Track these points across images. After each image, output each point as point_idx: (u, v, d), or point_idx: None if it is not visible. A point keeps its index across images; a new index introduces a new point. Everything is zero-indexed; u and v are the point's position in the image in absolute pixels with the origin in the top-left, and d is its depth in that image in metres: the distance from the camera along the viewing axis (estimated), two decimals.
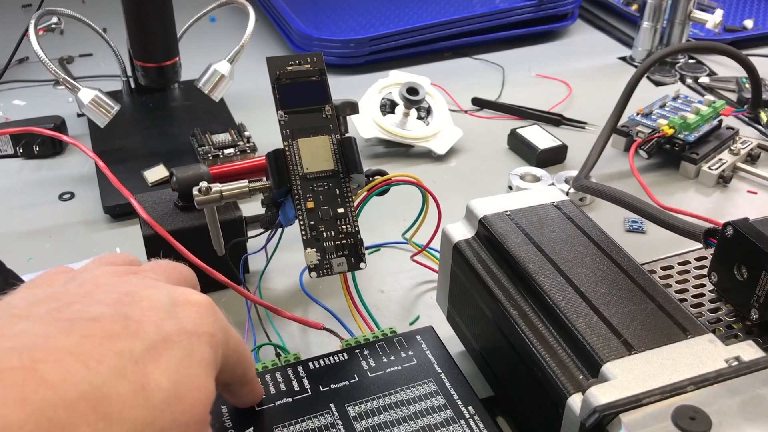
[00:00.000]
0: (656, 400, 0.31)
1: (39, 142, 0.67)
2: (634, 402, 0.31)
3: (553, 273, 0.38)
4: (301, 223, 0.39)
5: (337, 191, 0.40)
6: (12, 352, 0.22)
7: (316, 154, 0.39)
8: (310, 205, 0.39)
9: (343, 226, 0.40)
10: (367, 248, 0.57)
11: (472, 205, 0.44)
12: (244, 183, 0.41)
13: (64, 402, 0.22)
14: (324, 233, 0.40)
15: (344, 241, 0.40)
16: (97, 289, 0.27)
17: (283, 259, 0.55)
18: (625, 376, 0.32)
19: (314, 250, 0.39)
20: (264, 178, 0.42)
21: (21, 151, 0.66)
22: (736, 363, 0.33)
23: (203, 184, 0.41)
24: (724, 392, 0.31)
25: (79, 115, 0.76)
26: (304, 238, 0.39)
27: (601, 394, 0.31)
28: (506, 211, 0.43)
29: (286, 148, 0.40)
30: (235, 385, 0.34)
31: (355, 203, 0.43)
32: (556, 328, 0.36)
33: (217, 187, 0.41)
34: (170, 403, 0.25)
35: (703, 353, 0.33)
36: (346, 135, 0.40)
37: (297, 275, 0.53)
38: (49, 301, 0.26)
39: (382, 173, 0.45)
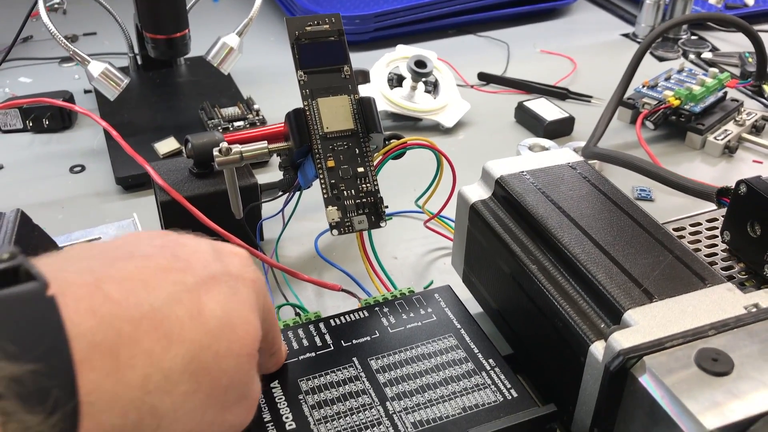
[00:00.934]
0: (679, 344, 0.31)
1: (48, 116, 0.67)
2: (658, 345, 0.31)
3: (571, 228, 0.39)
4: (322, 182, 0.40)
5: (357, 151, 0.41)
6: (78, 273, 0.23)
7: (335, 113, 0.40)
8: (331, 164, 0.40)
9: (363, 185, 0.40)
10: None
11: (489, 167, 0.44)
12: (263, 144, 0.42)
13: (128, 318, 0.23)
14: (344, 192, 0.40)
15: (364, 200, 0.40)
16: (139, 240, 0.28)
17: (297, 227, 0.55)
18: (647, 323, 0.33)
19: (335, 208, 0.40)
20: (284, 140, 0.42)
21: (30, 125, 0.67)
22: (755, 310, 0.33)
23: (224, 144, 0.41)
24: (745, 336, 0.32)
25: (86, 92, 0.76)
26: (325, 196, 0.40)
27: (624, 339, 0.32)
28: (522, 172, 0.44)
29: (306, 108, 0.40)
30: (263, 352, 0.35)
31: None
32: (576, 280, 0.37)
33: (237, 147, 0.41)
34: (224, 330, 0.26)
35: (722, 300, 0.34)
36: (365, 95, 0.41)
37: (312, 243, 0.54)
38: (100, 249, 0.27)
39: (397, 137, 0.45)
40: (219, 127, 0.65)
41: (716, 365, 0.30)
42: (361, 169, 0.40)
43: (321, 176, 0.40)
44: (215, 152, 0.41)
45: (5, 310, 0.20)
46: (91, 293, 0.22)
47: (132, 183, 0.60)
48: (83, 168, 0.64)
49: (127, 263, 0.25)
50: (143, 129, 0.67)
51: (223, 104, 0.68)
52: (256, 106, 0.67)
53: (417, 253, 0.55)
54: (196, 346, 0.25)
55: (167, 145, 0.63)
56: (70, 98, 0.70)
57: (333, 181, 0.40)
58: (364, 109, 0.41)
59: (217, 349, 0.25)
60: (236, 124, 0.65)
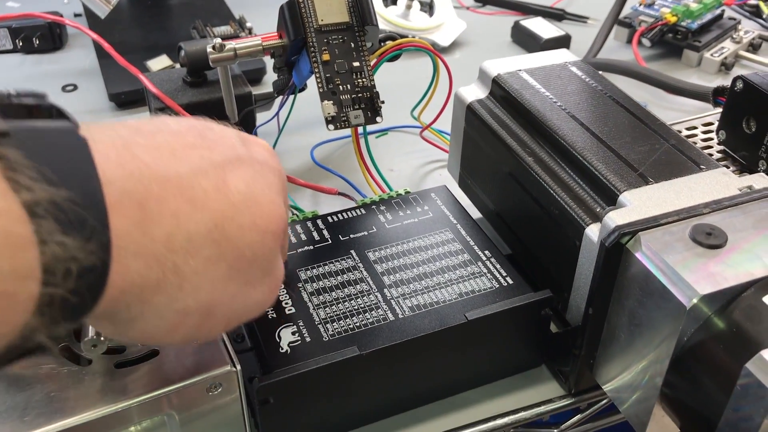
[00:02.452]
0: (673, 221, 0.32)
1: (39, 35, 0.66)
2: (653, 222, 0.32)
3: (568, 120, 0.39)
4: (317, 76, 0.40)
5: (352, 45, 0.40)
6: (106, 136, 0.23)
7: (330, 5, 0.39)
8: (326, 57, 0.39)
9: (359, 80, 0.40)
10: (372, 132, 0.57)
11: (486, 66, 0.44)
12: (257, 40, 0.41)
13: (156, 177, 0.23)
14: (340, 86, 0.40)
15: (360, 95, 0.40)
16: (167, 121, 0.28)
17: (293, 141, 0.55)
18: (642, 203, 0.33)
19: (331, 102, 0.39)
20: (277, 38, 0.42)
21: (20, 44, 0.65)
22: (749, 191, 0.34)
23: (217, 41, 0.41)
24: (738, 213, 0.32)
25: (76, 15, 0.75)
26: (321, 91, 0.40)
27: (620, 217, 0.32)
28: (519, 70, 0.43)
29: (300, 0, 0.40)
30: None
31: None
32: (572, 168, 0.37)
33: (231, 44, 0.41)
34: (248, 204, 0.26)
35: (717, 183, 0.34)
36: None
37: (308, 155, 0.54)
38: (128, 124, 0.26)
39: (393, 38, 0.45)
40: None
41: (710, 238, 0.31)
42: (356, 64, 0.40)
43: (316, 71, 0.39)
44: (209, 49, 0.41)
45: (42, 139, 0.20)
46: (120, 152, 0.23)
47: (125, 99, 0.60)
48: (75, 87, 0.63)
49: (155, 136, 0.25)
50: (135, 48, 0.66)
51: (215, 24, 0.67)
52: (248, 24, 0.66)
53: (413, 165, 0.55)
54: (219, 215, 0.25)
55: (160, 62, 0.62)
56: (60, 17, 0.68)
57: (328, 75, 0.40)
58: (360, 1, 0.40)
59: (241, 222, 0.25)
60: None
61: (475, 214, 0.46)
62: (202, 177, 0.25)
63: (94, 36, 0.54)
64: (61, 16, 0.69)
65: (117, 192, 0.22)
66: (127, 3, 0.74)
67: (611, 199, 0.34)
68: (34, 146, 0.20)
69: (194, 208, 0.24)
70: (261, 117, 0.53)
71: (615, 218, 0.32)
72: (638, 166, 0.35)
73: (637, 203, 0.33)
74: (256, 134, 0.51)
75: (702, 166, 0.35)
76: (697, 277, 0.29)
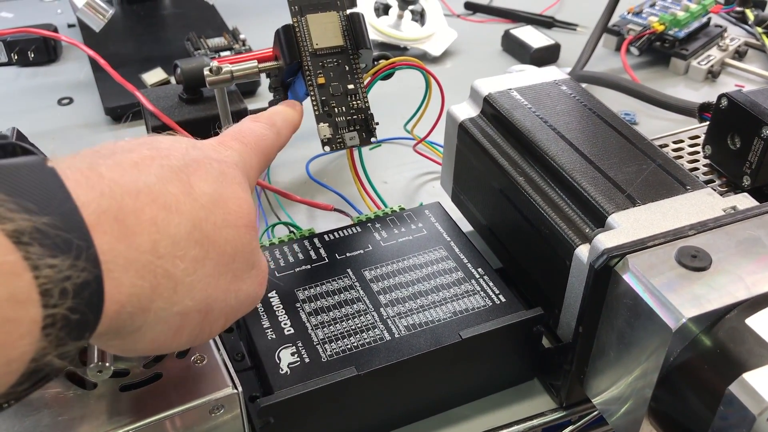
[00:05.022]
0: (660, 243, 0.33)
1: (33, 48, 0.66)
2: (640, 245, 0.33)
3: (558, 141, 0.40)
4: (313, 99, 0.40)
5: (347, 68, 0.41)
6: (69, 162, 0.24)
7: (324, 29, 0.40)
8: (321, 80, 0.40)
9: (354, 102, 0.41)
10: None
11: (477, 85, 0.45)
12: (253, 63, 0.42)
13: (127, 191, 0.24)
14: (335, 109, 0.41)
15: (355, 117, 0.41)
16: (116, 143, 0.28)
17: (288, 154, 0.56)
18: (630, 225, 0.34)
19: (327, 124, 0.40)
20: (273, 60, 0.42)
21: (16, 58, 0.66)
22: (732, 212, 0.35)
23: (214, 63, 0.42)
24: (723, 235, 0.33)
25: (70, 26, 0.75)
26: (317, 113, 0.40)
27: (608, 240, 0.33)
28: (510, 89, 0.44)
29: (296, 24, 0.40)
30: None
31: None
32: (562, 189, 0.38)
33: (227, 67, 0.42)
34: (217, 204, 0.27)
35: (702, 204, 0.35)
36: (353, 10, 0.41)
37: (302, 168, 0.55)
38: (82, 151, 0.27)
39: (386, 57, 0.46)
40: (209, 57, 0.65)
41: (695, 261, 0.32)
42: (351, 86, 0.41)
43: (312, 93, 0.40)
44: (206, 71, 0.42)
45: (13, 174, 0.21)
46: (87, 175, 0.23)
47: (121, 113, 0.60)
48: (71, 100, 0.64)
49: (114, 155, 0.26)
50: (130, 61, 0.66)
51: (209, 35, 0.67)
52: (242, 36, 0.67)
53: (406, 177, 0.56)
54: (193, 217, 0.26)
55: (155, 75, 0.63)
56: (54, 30, 0.69)
57: (324, 98, 0.40)
58: (354, 25, 0.41)
59: (214, 221, 0.27)
60: (223, 54, 0.65)
61: (467, 227, 0.47)
62: (169, 183, 0.26)
63: (90, 52, 0.55)
64: (56, 27, 0.70)
65: (94, 212, 0.22)
66: (120, 14, 0.74)
67: (600, 221, 0.35)
68: (8, 182, 0.21)
69: (170, 213, 0.25)
70: None
71: (604, 241, 0.33)
72: (626, 187, 0.36)
73: (625, 225, 0.34)
74: None
75: (688, 187, 0.36)
76: (682, 299, 0.30)
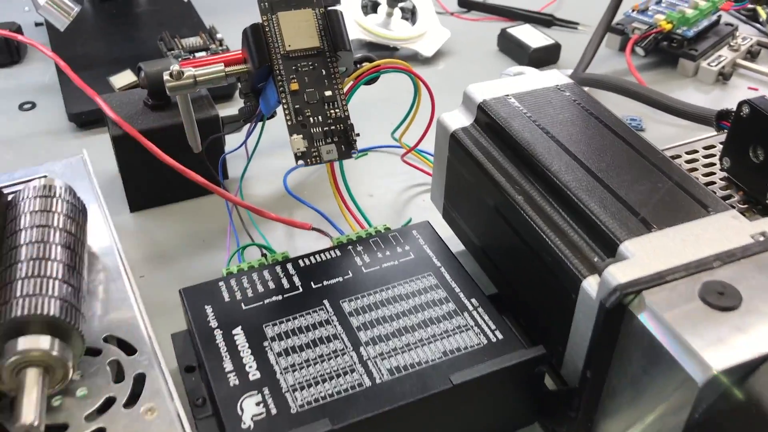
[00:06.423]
0: (681, 277, 0.28)
1: None
2: (658, 279, 0.28)
3: (560, 154, 0.35)
4: (285, 107, 0.36)
5: (324, 72, 0.37)
6: None
7: (298, 29, 0.35)
8: (295, 86, 0.36)
9: (332, 111, 0.36)
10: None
11: (470, 91, 0.41)
12: (219, 66, 0.37)
13: None
14: (311, 118, 0.36)
15: (333, 127, 0.36)
16: None
17: (265, 164, 0.51)
18: (645, 254, 0.29)
19: (300, 136, 0.36)
20: (242, 63, 0.38)
21: None
22: (762, 239, 0.30)
23: (174, 67, 0.37)
24: (753, 267, 0.29)
25: (37, 24, 0.70)
26: (289, 123, 0.36)
27: (621, 273, 0.29)
28: (507, 95, 0.40)
29: (265, 23, 0.36)
30: None
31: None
32: (566, 211, 0.33)
33: (190, 71, 0.37)
34: None
35: (727, 229, 0.31)
36: (332, 7, 0.36)
37: (280, 180, 0.50)
38: None
39: (370, 59, 0.41)
40: (179, 59, 0.60)
41: (722, 299, 0.27)
42: (328, 93, 0.36)
43: (284, 101, 0.36)
44: (165, 76, 0.37)
45: None
46: None
47: (86, 119, 0.56)
48: (34, 105, 0.59)
49: None
50: (98, 62, 0.62)
51: (183, 34, 0.63)
52: (219, 36, 0.63)
53: (394, 190, 0.51)
54: None
55: (123, 78, 0.58)
56: (17, 30, 0.64)
57: (297, 106, 0.36)
58: (331, 24, 0.36)
59: None
60: (198, 55, 0.60)
61: (459, 247, 0.43)
62: None
63: (48, 53, 0.50)
64: (19, 26, 0.65)
65: None
66: (92, 11, 0.70)
67: (610, 249, 0.31)
68: None
69: None
70: (234, 139, 0.49)
71: (616, 274, 0.29)
72: (639, 209, 0.32)
73: (640, 255, 0.29)
74: (224, 161, 0.47)
75: (710, 209, 0.32)
76: (710, 347, 0.26)
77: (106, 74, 0.59)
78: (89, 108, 0.55)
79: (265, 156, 0.51)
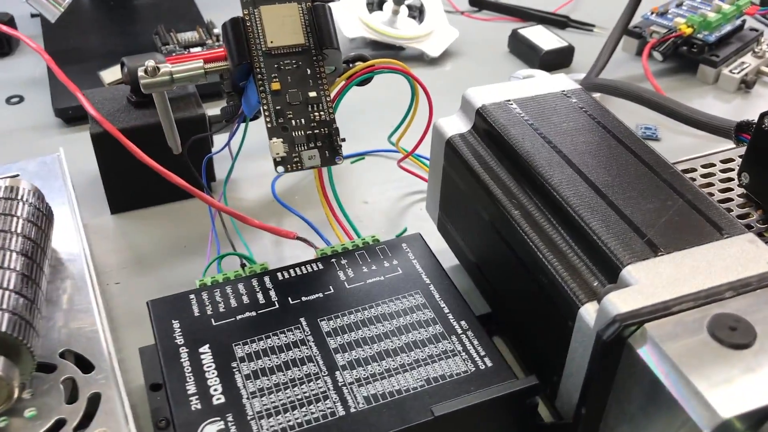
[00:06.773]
0: (688, 308, 0.25)
1: None
2: (662, 310, 0.25)
3: (562, 167, 0.32)
4: (266, 108, 0.33)
5: (308, 71, 0.34)
6: None
7: (282, 24, 0.33)
8: (276, 86, 0.33)
9: (316, 113, 0.34)
10: (348, 156, 0.51)
11: (469, 95, 0.38)
12: (198, 63, 0.35)
13: None
14: (293, 121, 0.33)
15: (317, 131, 0.34)
16: None
17: (254, 167, 0.49)
18: (650, 281, 0.27)
19: (281, 140, 0.33)
20: (224, 61, 0.35)
21: None
22: None
23: (149, 63, 0.35)
24: None
25: (33, 16, 0.68)
26: (269, 126, 0.33)
27: (622, 301, 0.26)
28: (508, 100, 0.37)
29: (246, 17, 0.33)
30: None
31: (333, 94, 0.37)
32: (566, 229, 0.30)
33: (166, 67, 0.35)
34: None
35: (742, 255, 0.28)
36: (319, 2, 0.34)
37: (269, 184, 0.47)
38: None
39: (363, 58, 0.39)
40: (174, 53, 0.58)
41: (734, 335, 0.24)
42: (313, 94, 0.34)
43: (264, 102, 0.33)
44: (140, 73, 0.35)
45: None
46: None
47: (72, 115, 0.54)
48: (21, 99, 0.57)
49: None
50: (91, 56, 0.60)
51: (180, 29, 0.61)
52: (216, 31, 0.60)
53: (390, 197, 0.49)
54: None
55: (114, 73, 0.55)
56: (9, 21, 0.62)
57: (278, 107, 0.33)
58: (318, 19, 0.34)
59: None
60: (193, 50, 0.58)
61: (454, 261, 0.40)
62: None
63: (32, 44, 0.48)
64: (12, 17, 0.63)
65: None
66: (89, 3, 0.67)
67: (612, 273, 0.28)
68: None
69: None
70: (222, 139, 0.47)
71: (616, 303, 0.26)
72: (646, 229, 0.29)
73: (644, 281, 0.27)
74: (210, 162, 0.45)
75: (724, 232, 0.29)
76: (718, 390, 0.23)
77: (98, 68, 0.57)
78: (76, 103, 0.53)
79: (256, 158, 0.48)
